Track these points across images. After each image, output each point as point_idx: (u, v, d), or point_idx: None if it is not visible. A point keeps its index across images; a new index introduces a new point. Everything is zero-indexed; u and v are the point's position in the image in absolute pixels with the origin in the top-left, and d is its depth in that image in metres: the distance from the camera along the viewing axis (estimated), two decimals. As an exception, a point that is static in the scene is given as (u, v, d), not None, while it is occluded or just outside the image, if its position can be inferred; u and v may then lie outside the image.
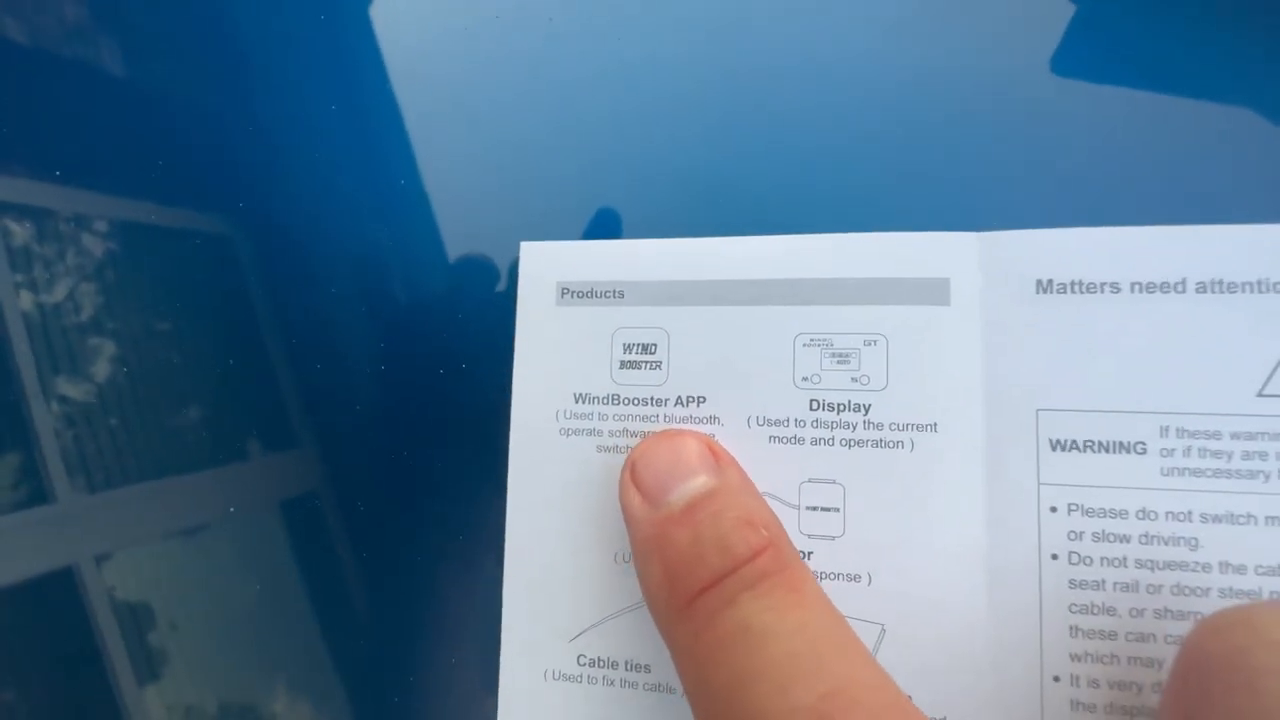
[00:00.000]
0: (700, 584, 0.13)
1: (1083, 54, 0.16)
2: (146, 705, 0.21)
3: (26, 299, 0.23)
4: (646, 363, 0.16)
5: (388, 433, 0.19)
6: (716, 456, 0.15)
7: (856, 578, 0.15)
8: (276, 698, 0.20)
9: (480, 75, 0.19)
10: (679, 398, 0.16)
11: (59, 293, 0.23)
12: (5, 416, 0.22)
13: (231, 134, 0.22)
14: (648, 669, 0.16)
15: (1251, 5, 0.16)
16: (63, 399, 0.22)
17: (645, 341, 0.16)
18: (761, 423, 0.16)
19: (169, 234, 0.22)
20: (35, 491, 0.22)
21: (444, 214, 0.19)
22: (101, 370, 0.22)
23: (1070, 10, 0.17)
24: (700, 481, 0.14)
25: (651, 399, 0.16)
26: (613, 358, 0.16)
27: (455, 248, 0.19)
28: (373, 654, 0.19)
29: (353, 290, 0.20)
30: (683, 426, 0.16)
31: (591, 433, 0.16)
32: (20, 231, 0.23)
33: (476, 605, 0.17)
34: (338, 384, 0.20)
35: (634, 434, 0.16)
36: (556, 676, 0.16)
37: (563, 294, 0.16)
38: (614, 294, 0.16)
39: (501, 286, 0.18)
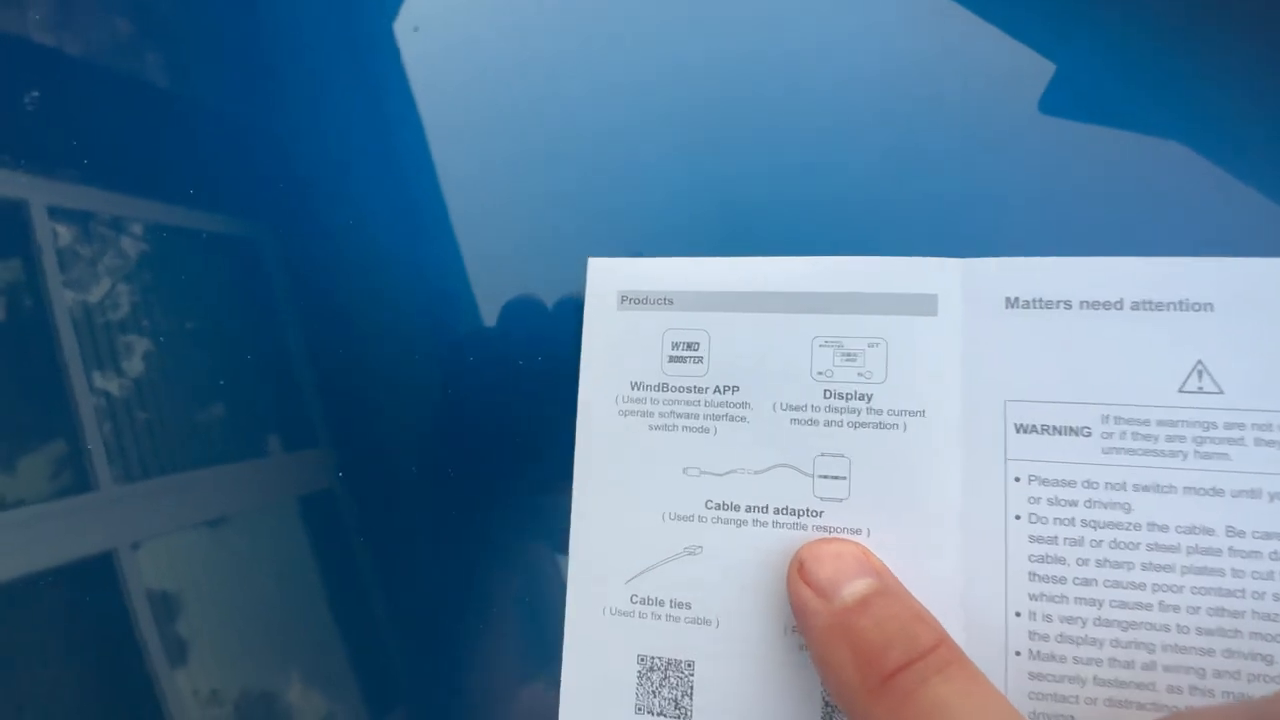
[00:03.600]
0: (894, 666, 0.14)
1: (1060, 107, 0.19)
2: (178, 687, 0.22)
3: (70, 297, 0.24)
4: (690, 358, 0.19)
5: (446, 429, 0.21)
6: (871, 560, 0.17)
7: (858, 531, 0.18)
8: (292, 686, 0.22)
9: (539, 103, 0.22)
10: (717, 387, 0.19)
11: (97, 292, 0.24)
12: (52, 408, 0.24)
13: (267, 143, 0.23)
14: (688, 606, 0.19)
15: (1188, 79, 0.19)
16: (102, 392, 0.24)
17: (690, 340, 0.19)
18: (784, 408, 0.18)
19: (208, 238, 0.23)
20: (79, 480, 0.23)
21: (497, 230, 0.22)
22: (135, 366, 0.24)
23: (1050, 69, 0.20)
24: (868, 582, 0.16)
25: (694, 388, 0.19)
26: (663, 353, 0.19)
27: (514, 262, 0.21)
28: (387, 646, 0.21)
29: (406, 301, 0.22)
30: (722, 420, 0.19)
31: (645, 414, 0.19)
32: (65, 233, 0.25)
33: (533, 570, 0.20)
34: (394, 384, 0.22)
35: (680, 415, 0.19)
36: (613, 612, 0.19)
37: (622, 300, 0.19)
38: (664, 301, 0.19)
39: (555, 295, 0.20)
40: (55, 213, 0.25)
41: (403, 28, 0.23)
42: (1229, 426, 0.17)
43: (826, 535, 0.18)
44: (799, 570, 0.17)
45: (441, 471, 0.21)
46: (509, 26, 0.23)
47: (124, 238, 0.25)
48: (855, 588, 0.16)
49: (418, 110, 0.23)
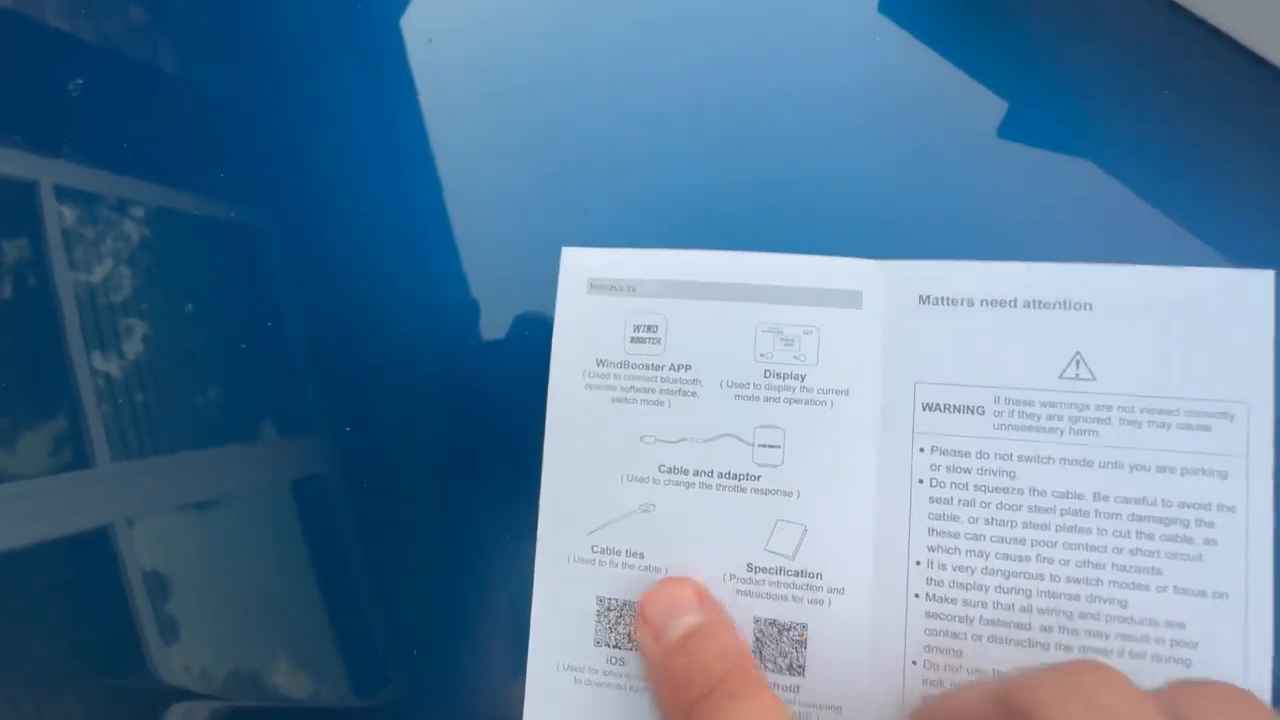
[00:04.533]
0: (694, 697, 0.17)
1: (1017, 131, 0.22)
2: (169, 662, 0.23)
3: (74, 277, 0.25)
4: (650, 339, 0.21)
5: (432, 409, 0.23)
6: (702, 599, 0.20)
7: (789, 493, 0.21)
8: (278, 668, 0.23)
9: (520, 102, 0.24)
10: (671, 365, 0.21)
11: (100, 273, 0.25)
12: (53, 386, 0.25)
13: (267, 133, 0.25)
14: (641, 555, 0.21)
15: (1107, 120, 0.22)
16: (102, 373, 0.25)
17: (650, 323, 0.21)
18: (729, 385, 0.21)
19: (209, 223, 0.25)
20: (78, 457, 0.24)
21: (482, 223, 0.24)
22: (135, 347, 0.25)
23: (975, 99, 0.22)
24: (693, 619, 0.19)
25: (652, 365, 0.21)
26: (625, 335, 0.21)
27: (486, 252, 0.24)
28: (373, 626, 0.23)
29: (396, 290, 0.24)
30: (676, 394, 0.21)
31: (608, 388, 0.21)
32: (71, 214, 0.26)
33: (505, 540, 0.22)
34: (371, 370, 0.24)
35: (639, 389, 0.21)
36: (577, 560, 0.21)
37: (591, 286, 0.22)
38: (629, 288, 0.21)
39: (531, 281, 0.23)
40: (62, 193, 0.26)
41: (411, 33, 0.25)
42: (1099, 408, 0.20)
43: (672, 577, 0.21)
44: (639, 616, 0.20)
45: (426, 447, 0.24)
46: (498, 36, 0.25)
47: (128, 220, 0.26)
48: (679, 625, 0.19)
49: (419, 110, 0.25)
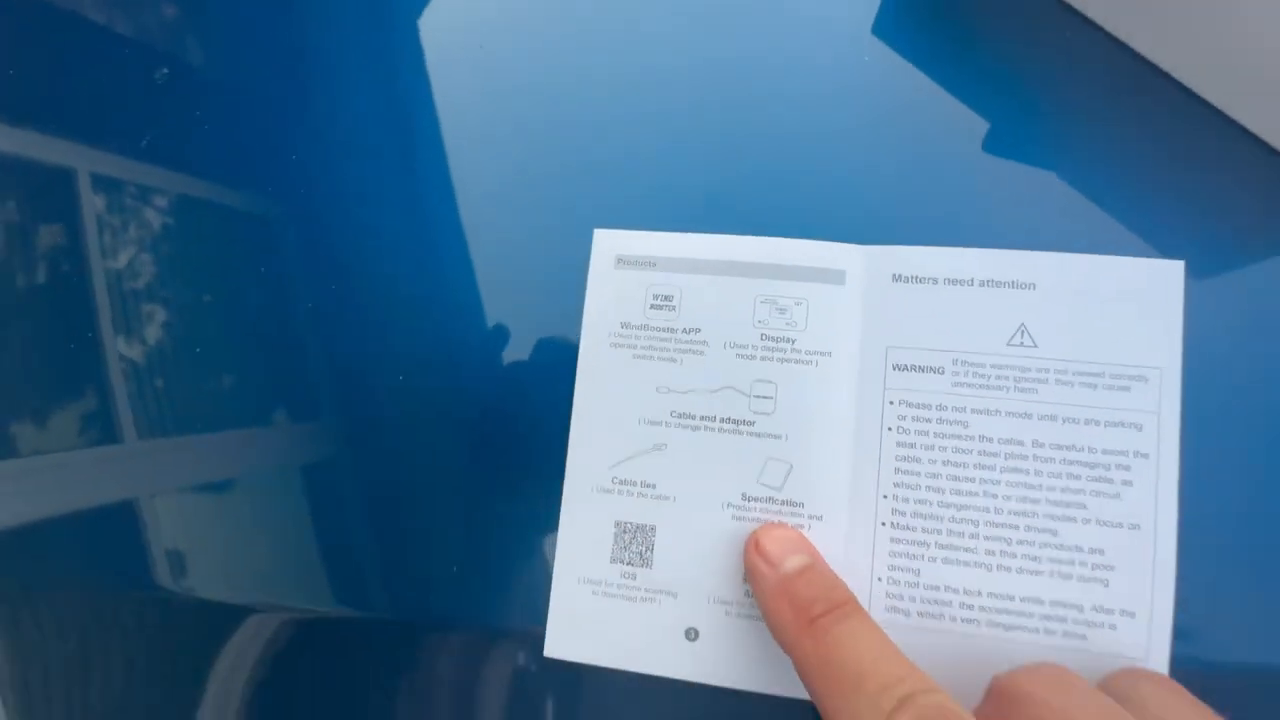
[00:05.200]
0: (817, 612, 0.21)
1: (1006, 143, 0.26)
2: (187, 629, 0.26)
3: (106, 263, 0.26)
4: (666, 306, 0.25)
5: (466, 370, 0.27)
6: (808, 544, 0.23)
7: (779, 436, 0.25)
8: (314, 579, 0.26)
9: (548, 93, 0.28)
10: (684, 328, 0.25)
11: (124, 258, 0.27)
12: (83, 365, 0.26)
13: (291, 122, 0.27)
14: (654, 486, 0.25)
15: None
16: (128, 356, 0.26)
17: (666, 294, 0.25)
18: (731, 346, 0.25)
19: (227, 212, 0.26)
20: (105, 433, 0.26)
21: (519, 209, 0.28)
22: (158, 332, 0.26)
23: (950, 115, 0.26)
24: (803, 558, 0.22)
25: (667, 329, 0.25)
26: (645, 303, 0.25)
27: (532, 234, 0.28)
28: (418, 548, 0.27)
29: (425, 277, 0.27)
30: (686, 353, 0.25)
31: (630, 347, 0.25)
32: (104, 202, 0.27)
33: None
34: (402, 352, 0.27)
35: (656, 348, 0.25)
36: (599, 490, 0.25)
37: (618, 262, 0.26)
38: (650, 264, 0.25)
39: (565, 259, 0.27)
40: (99, 181, 0.27)
41: (438, 30, 0.29)
42: (1039, 370, 0.23)
43: (777, 522, 0.24)
44: (755, 546, 0.23)
45: (471, 399, 0.27)
46: (527, 28, 0.29)
47: (155, 210, 0.27)
48: (794, 561, 0.23)
49: (433, 102, 0.28)
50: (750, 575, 0.23)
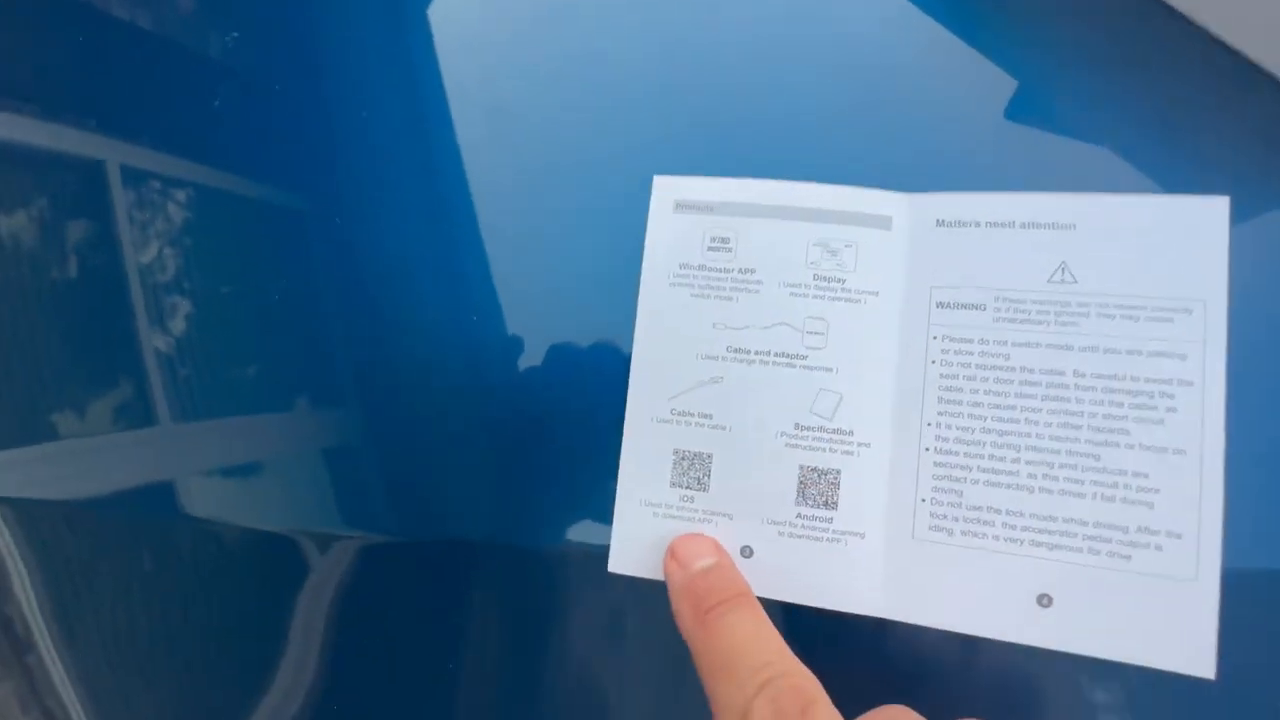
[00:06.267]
0: (709, 605, 0.23)
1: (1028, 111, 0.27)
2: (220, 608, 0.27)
3: (137, 254, 0.27)
4: (723, 248, 0.27)
5: (531, 305, 0.30)
6: (720, 549, 0.25)
7: (830, 369, 0.26)
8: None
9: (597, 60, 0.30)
10: (740, 269, 0.27)
11: (152, 252, 0.27)
12: (119, 354, 0.27)
13: (319, 115, 0.28)
14: (710, 416, 0.27)
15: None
16: (160, 344, 0.27)
17: (723, 236, 0.27)
18: (785, 285, 0.27)
19: (251, 204, 0.27)
20: (142, 416, 0.27)
21: (582, 159, 0.30)
22: (184, 322, 0.27)
23: (986, 74, 0.28)
24: (711, 560, 0.25)
25: (724, 269, 0.27)
26: (703, 245, 0.27)
27: (593, 181, 0.30)
28: (486, 477, 0.30)
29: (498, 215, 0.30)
30: (742, 292, 0.27)
31: (688, 286, 0.27)
32: (134, 195, 0.27)
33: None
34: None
35: (713, 287, 0.27)
36: (659, 420, 0.27)
37: (677, 207, 0.28)
38: (707, 208, 0.27)
39: (626, 204, 0.28)
40: (128, 174, 0.28)
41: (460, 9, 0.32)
42: (1080, 305, 0.24)
43: (694, 533, 0.26)
44: (669, 552, 0.25)
45: (536, 337, 0.30)
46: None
47: (181, 202, 0.28)
48: (702, 562, 0.25)
49: (442, 82, 0.29)
50: (666, 579, 0.25)
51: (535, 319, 0.30)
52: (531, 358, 0.30)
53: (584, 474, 0.29)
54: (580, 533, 0.28)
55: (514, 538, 0.29)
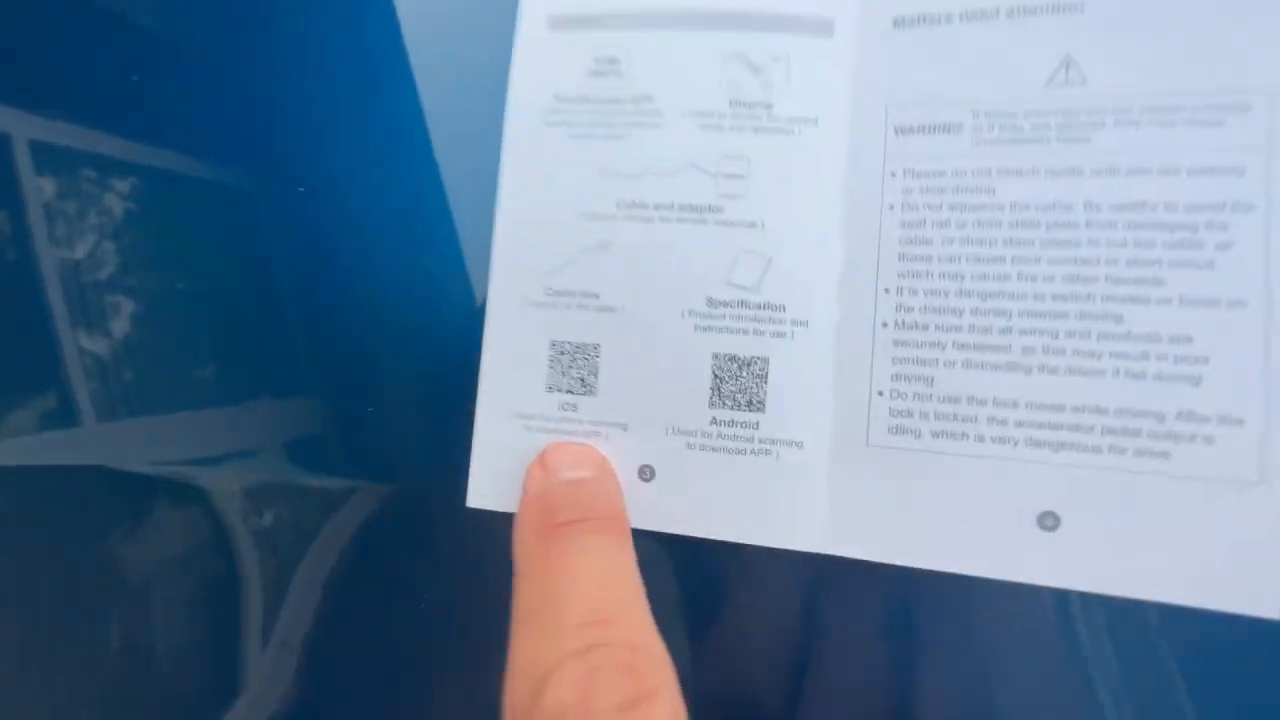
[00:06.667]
0: (564, 519, 0.17)
1: None
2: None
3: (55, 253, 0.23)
4: (611, 72, 0.20)
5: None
6: (604, 465, 0.19)
7: (753, 224, 0.19)
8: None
9: None
10: (633, 97, 0.20)
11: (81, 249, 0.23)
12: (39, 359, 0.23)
13: (257, 87, 0.23)
14: (597, 295, 0.20)
15: None
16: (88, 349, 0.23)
17: (611, 56, 0.20)
18: (693, 114, 0.20)
19: (191, 183, 0.23)
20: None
21: None
22: (120, 326, 0.23)
23: None
24: (589, 472, 0.18)
25: (612, 99, 0.20)
26: (585, 69, 0.20)
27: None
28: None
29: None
30: (636, 127, 0.20)
31: (567, 125, 0.20)
32: (49, 176, 0.23)
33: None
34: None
35: (598, 124, 0.20)
36: (529, 304, 0.20)
37: (551, 23, 0.21)
38: (591, 21, 0.20)
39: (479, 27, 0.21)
40: (38, 148, 0.24)
41: None
42: (1091, 113, 0.17)
43: (580, 443, 0.19)
44: (538, 459, 0.19)
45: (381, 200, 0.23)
46: None
47: (109, 179, 0.24)
48: (575, 472, 0.18)
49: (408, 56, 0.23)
50: (523, 489, 0.19)
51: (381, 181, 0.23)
52: (364, 240, 0.23)
53: (437, 383, 0.22)
54: (432, 462, 0.22)
55: (362, 474, 0.23)
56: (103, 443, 0.24)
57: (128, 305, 0.24)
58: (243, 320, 0.24)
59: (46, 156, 0.24)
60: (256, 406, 0.24)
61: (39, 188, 0.24)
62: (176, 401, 0.23)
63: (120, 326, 0.24)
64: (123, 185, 0.24)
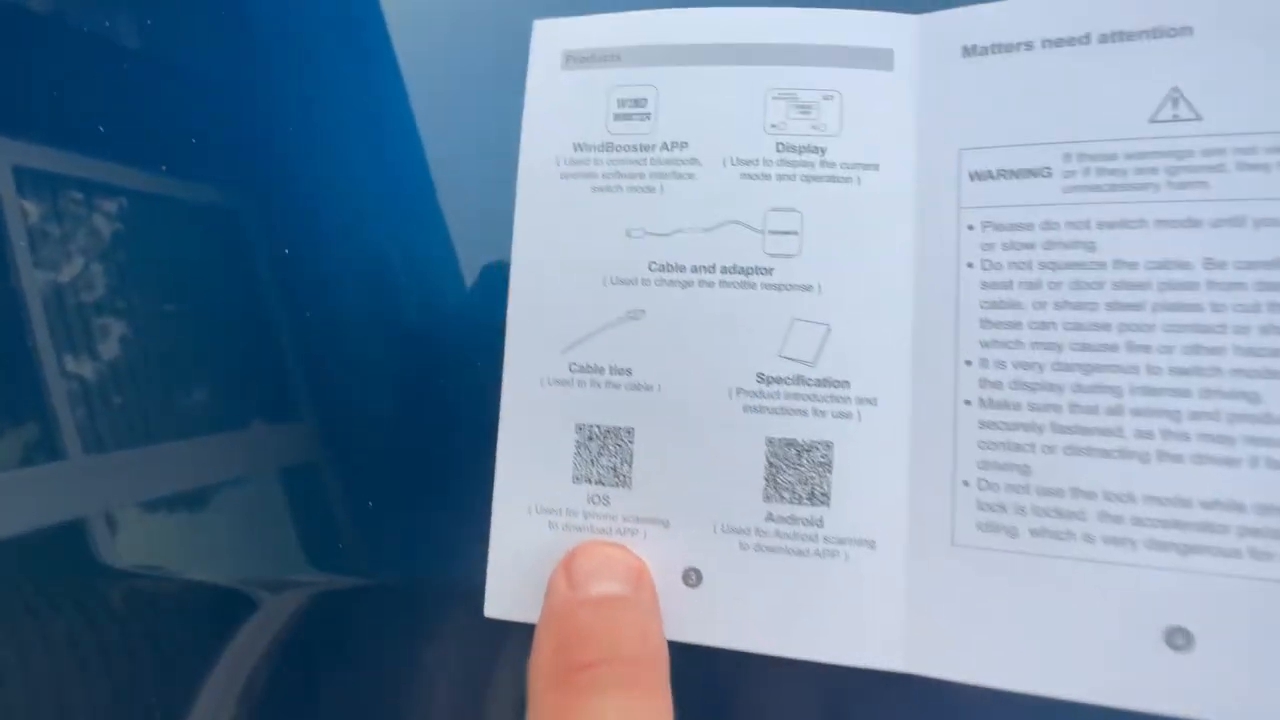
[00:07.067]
0: (584, 661, 0.14)
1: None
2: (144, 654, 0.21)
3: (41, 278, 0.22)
4: (637, 114, 0.18)
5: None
6: (640, 576, 0.16)
7: (809, 287, 0.17)
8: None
9: None
10: (664, 144, 0.18)
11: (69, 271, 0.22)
12: (21, 386, 0.22)
13: (242, 106, 0.21)
14: (629, 372, 0.17)
15: None
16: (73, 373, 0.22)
17: (636, 97, 0.18)
18: (735, 163, 0.17)
19: (180, 206, 0.22)
20: (50, 451, 0.22)
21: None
22: (110, 349, 0.22)
23: None
24: (619, 588, 0.15)
25: (640, 145, 0.18)
26: (608, 112, 0.18)
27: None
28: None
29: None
30: (669, 178, 0.17)
31: (587, 176, 0.18)
32: (32, 200, 0.22)
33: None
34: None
35: (624, 175, 0.18)
36: (551, 382, 0.18)
37: (567, 60, 0.18)
38: (611, 58, 0.18)
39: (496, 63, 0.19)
40: (21, 174, 0.23)
41: None
42: (1207, 154, 0.15)
43: (612, 541, 0.17)
44: (565, 559, 0.16)
45: (376, 265, 0.20)
46: None
47: (96, 201, 0.23)
48: (604, 586, 0.15)
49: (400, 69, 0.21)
50: (545, 598, 0.16)
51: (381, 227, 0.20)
52: (369, 310, 0.20)
53: (455, 474, 0.19)
54: (450, 565, 0.19)
55: (379, 575, 0.20)
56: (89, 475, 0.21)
57: (116, 328, 0.22)
58: (235, 349, 0.21)
59: (30, 180, 0.23)
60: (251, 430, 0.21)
61: (23, 211, 0.22)
62: (165, 429, 0.21)
63: (109, 349, 0.22)
64: (110, 206, 0.22)
